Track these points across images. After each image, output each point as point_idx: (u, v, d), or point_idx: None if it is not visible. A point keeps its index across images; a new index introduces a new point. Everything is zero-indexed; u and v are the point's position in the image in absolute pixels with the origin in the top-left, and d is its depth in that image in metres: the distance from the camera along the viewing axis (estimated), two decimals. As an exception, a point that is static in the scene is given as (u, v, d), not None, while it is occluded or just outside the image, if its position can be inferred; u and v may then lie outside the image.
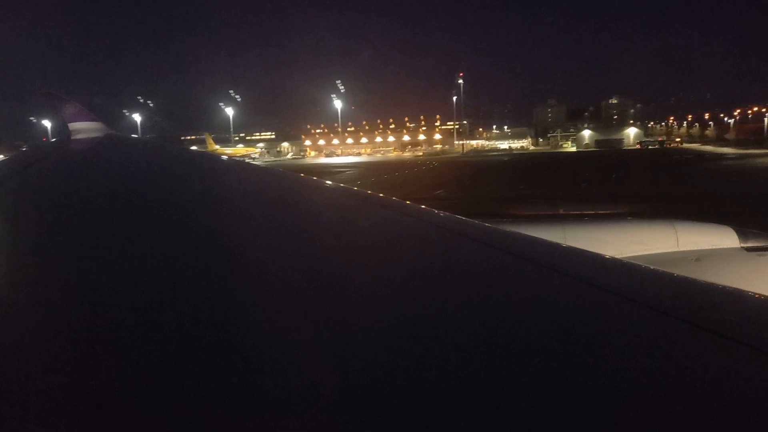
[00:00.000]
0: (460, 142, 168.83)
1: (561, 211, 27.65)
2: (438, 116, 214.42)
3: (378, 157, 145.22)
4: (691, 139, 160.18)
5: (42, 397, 0.96)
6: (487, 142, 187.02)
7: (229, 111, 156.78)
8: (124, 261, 1.79)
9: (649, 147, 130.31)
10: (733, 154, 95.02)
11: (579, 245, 2.30)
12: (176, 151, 8.14)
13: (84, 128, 6.75)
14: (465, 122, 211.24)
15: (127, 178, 4.00)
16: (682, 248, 5.73)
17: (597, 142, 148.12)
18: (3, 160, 7.06)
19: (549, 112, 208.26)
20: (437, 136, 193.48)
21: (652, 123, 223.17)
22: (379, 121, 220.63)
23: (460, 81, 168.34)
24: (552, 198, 34.72)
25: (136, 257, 1.83)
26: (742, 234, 5.91)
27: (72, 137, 6.59)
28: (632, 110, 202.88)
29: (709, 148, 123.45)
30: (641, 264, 1.99)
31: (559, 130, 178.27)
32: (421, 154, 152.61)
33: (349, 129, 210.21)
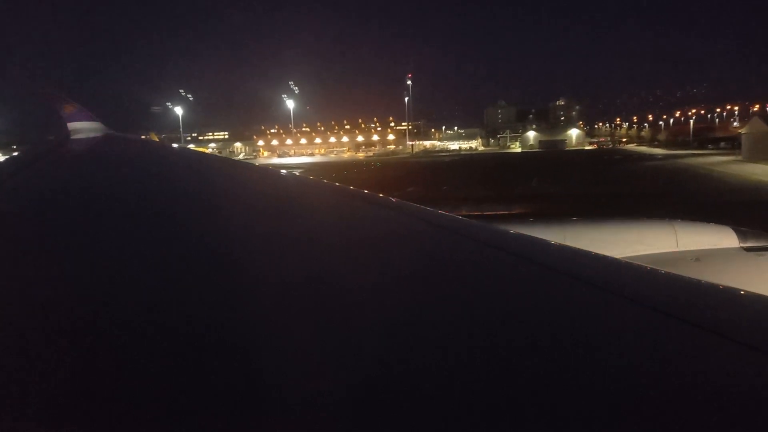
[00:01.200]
0: (412, 142, 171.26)
1: (463, 212, 29.70)
2: (392, 117, 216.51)
3: (331, 157, 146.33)
4: (631, 140, 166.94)
5: (42, 397, 0.96)
6: (439, 143, 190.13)
7: (179, 110, 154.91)
8: (123, 260, 1.80)
9: (586, 147, 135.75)
10: (660, 154, 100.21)
11: (578, 245, 2.32)
12: (175, 150, 8.17)
13: (83, 128, 6.72)
14: (419, 123, 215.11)
15: (127, 177, 4.02)
16: (682, 248, 5.77)
17: (541, 143, 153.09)
18: (2, 161, 6.97)
19: (499, 113, 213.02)
20: (390, 137, 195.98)
21: (599, 124, 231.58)
22: (333, 122, 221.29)
23: (409, 82, 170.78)
24: (466, 198, 36.92)
25: (135, 256, 1.85)
26: (742, 234, 5.95)
27: (71, 137, 6.55)
28: (575, 112, 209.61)
29: (643, 148, 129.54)
30: (641, 264, 2.02)
31: (507, 131, 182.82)
32: (371, 154, 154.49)
33: (304, 129, 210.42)
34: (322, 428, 0.87)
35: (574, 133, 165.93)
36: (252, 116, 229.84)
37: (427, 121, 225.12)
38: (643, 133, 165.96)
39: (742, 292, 1.53)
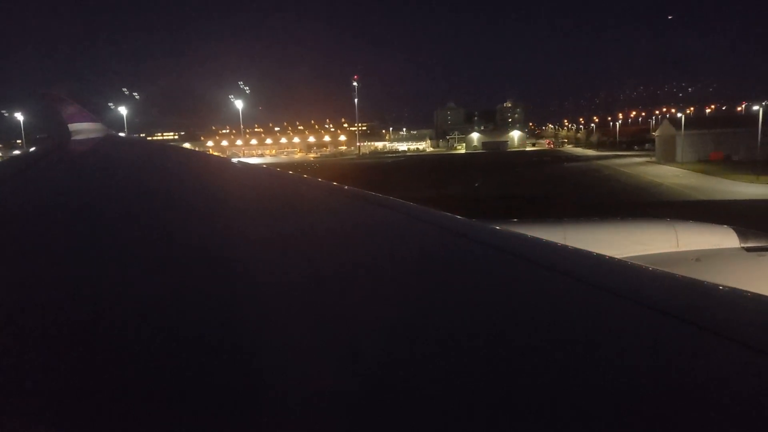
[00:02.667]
0: (360, 144, 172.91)
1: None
2: (344, 119, 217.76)
3: (281, 158, 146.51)
4: (569, 141, 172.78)
5: (42, 397, 0.96)
6: (389, 144, 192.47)
7: (123, 110, 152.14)
8: (125, 261, 1.81)
9: (527, 148, 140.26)
10: (588, 156, 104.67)
11: (579, 245, 2.33)
12: (176, 151, 8.28)
13: (84, 129, 6.68)
14: (373, 124, 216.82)
15: (128, 178, 4.01)
16: (683, 248, 5.76)
17: (484, 144, 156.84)
18: (4, 161, 6.96)
19: (448, 115, 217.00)
20: (342, 138, 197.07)
21: (549, 125, 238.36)
22: (286, 123, 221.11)
23: (355, 84, 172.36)
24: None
25: (137, 257, 1.85)
26: (742, 234, 5.94)
27: (72, 138, 6.54)
28: (518, 114, 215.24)
29: (579, 150, 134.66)
30: (641, 264, 2.02)
31: (456, 133, 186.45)
32: (318, 155, 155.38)
33: (256, 130, 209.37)
34: (322, 428, 0.87)
35: (515, 135, 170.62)
36: (204, 117, 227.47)
37: (380, 122, 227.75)
38: (579, 135, 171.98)
39: (743, 293, 1.53)
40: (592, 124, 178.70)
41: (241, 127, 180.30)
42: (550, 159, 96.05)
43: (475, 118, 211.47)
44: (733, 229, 6.03)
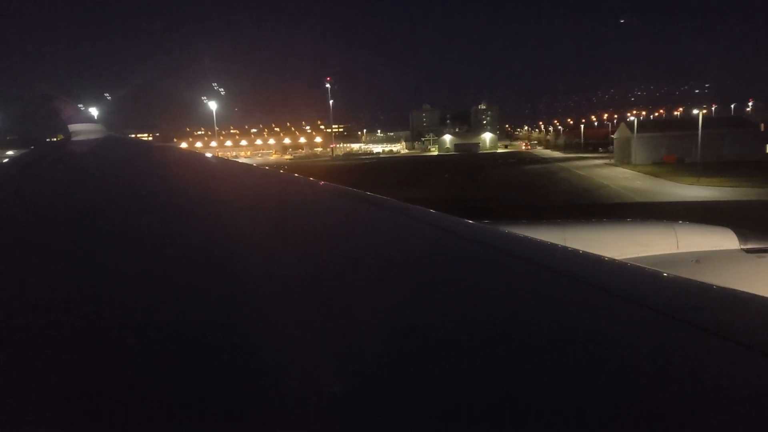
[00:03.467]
0: (334, 145, 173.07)
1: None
2: (320, 121, 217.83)
3: (256, 159, 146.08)
4: (539, 143, 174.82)
5: (42, 397, 0.96)
6: (364, 146, 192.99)
7: (94, 111, 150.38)
8: (125, 262, 1.80)
9: (499, 150, 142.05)
10: (552, 157, 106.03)
11: (579, 247, 2.33)
12: (177, 152, 8.33)
13: (84, 129, 6.66)
14: (350, 125, 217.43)
15: (129, 179, 4.01)
16: (682, 250, 5.73)
17: (456, 146, 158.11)
18: (4, 162, 6.97)
19: (424, 116, 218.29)
20: (318, 139, 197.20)
21: (525, 127, 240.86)
22: (261, 125, 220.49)
23: (328, 86, 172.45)
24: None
25: (137, 258, 1.85)
26: (742, 236, 5.90)
27: (72, 138, 6.56)
28: (489, 116, 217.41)
29: (547, 152, 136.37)
30: (641, 265, 2.02)
31: (431, 135, 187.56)
32: (291, 157, 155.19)
33: (231, 132, 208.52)
34: (322, 428, 0.88)
35: (487, 137, 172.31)
36: (178, 118, 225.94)
37: (358, 123, 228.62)
38: (548, 137, 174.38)
39: (743, 294, 1.54)
40: (560, 127, 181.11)
41: (215, 128, 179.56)
42: (515, 161, 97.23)
43: (448, 120, 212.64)
44: (733, 230, 5.98)
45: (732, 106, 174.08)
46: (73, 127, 6.71)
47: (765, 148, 73.57)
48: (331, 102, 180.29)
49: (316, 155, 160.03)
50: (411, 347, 1.17)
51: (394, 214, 2.87)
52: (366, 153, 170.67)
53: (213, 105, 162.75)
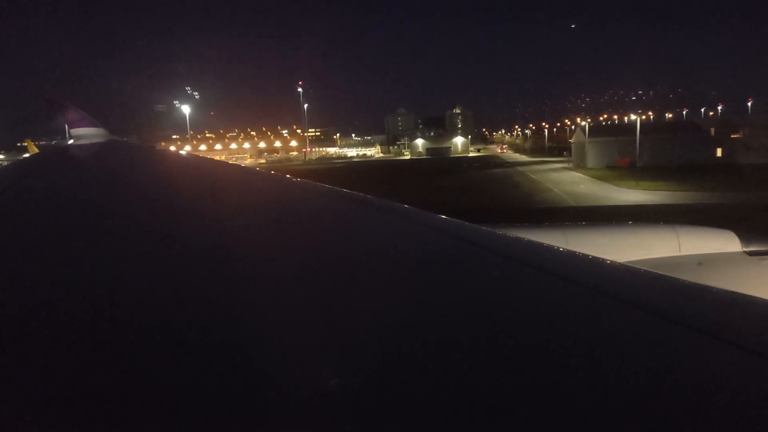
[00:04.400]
0: (306, 149, 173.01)
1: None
2: (295, 125, 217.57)
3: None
4: (509, 147, 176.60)
5: (42, 397, 0.97)
6: (340, 150, 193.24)
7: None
8: (128, 266, 1.81)
9: (470, 154, 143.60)
10: (517, 161, 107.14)
11: (581, 249, 2.33)
12: (180, 156, 8.18)
13: (86, 134, 6.63)
14: (327, 129, 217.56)
15: (132, 183, 4.05)
16: (684, 252, 5.71)
17: (428, 150, 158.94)
18: (7, 166, 7.11)
19: (399, 121, 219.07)
20: (293, 143, 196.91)
21: (503, 131, 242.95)
22: (237, 129, 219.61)
23: (300, 89, 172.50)
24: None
25: (140, 262, 1.86)
26: (744, 238, 5.90)
27: (75, 143, 6.61)
28: (460, 121, 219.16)
29: (516, 155, 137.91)
30: (643, 268, 2.01)
31: (405, 139, 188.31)
32: (264, 162, 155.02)
33: (207, 136, 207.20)
34: (321, 428, 0.88)
35: (459, 141, 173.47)
36: (152, 122, 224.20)
37: (335, 128, 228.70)
38: (517, 141, 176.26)
39: (745, 297, 1.53)
40: (527, 131, 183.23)
41: (189, 132, 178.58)
42: (478, 165, 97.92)
43: (420, 126, 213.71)
44: (736, 233, 5.98)
45: (702, 110, 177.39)
46: (76, 131, 6.68)
47: (716, 152, 75.24)
48: (305, 106, 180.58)
49: (289, 159, 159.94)
50: (409, 348, 1.17)
51: (393, 216, 2.88)
52: (340, 157, 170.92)
53: (186, 109, 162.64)
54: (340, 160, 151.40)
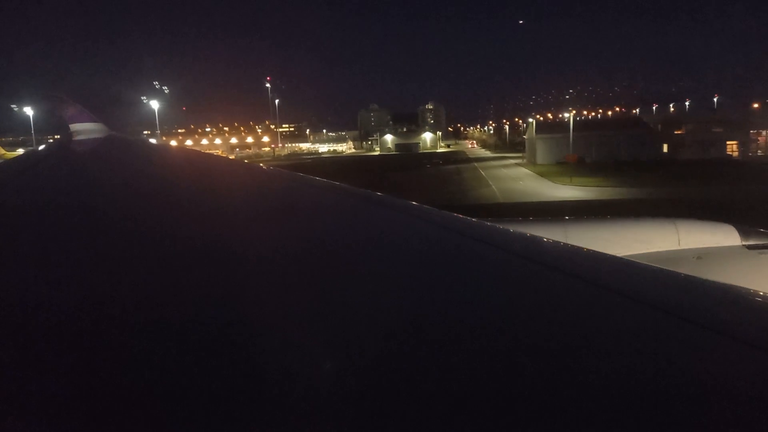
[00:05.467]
0: (275, 145, 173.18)
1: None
2: (268, 120, 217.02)
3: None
4: (480, 142, 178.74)
5: (42, 398, 0.97)
6: (312, 146, 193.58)
7: (29, 111, 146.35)
8: (128, 262, 1.80)
9: (439, 150, 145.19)
10: (477, 157, 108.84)
11: (580, 244, 2.31)
12: (179, 151, 8.16)
13: (85, 129, 6.63)
14: (300, 125, 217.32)
15: (131, 178, 3.99)
16: (684, 246, 5.74)
17: (397, 146, 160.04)
18: (6, 161, 6.94)
19: (372, 116, 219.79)
20: (265, 139, 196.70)
21: (478, 126, 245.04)
22: (208, 124, 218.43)
23: (268, 85, 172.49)
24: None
25: (140, 258, 1.85)
26: (744, 232, 5.91)
27: (74, 138, 6.51)
28: (440, 115, 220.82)
29: (481, 151, 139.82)
30: (642, 262, 2.01)
31: (377, 134, 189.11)
32: (235, 157, 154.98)
33: (178, 131, 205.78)
34: (323, 429, 0.87)
35: (428, 136, 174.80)
36: (120, 117, 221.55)
37: (309, 123, 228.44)
38: (484, 137, 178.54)
39: (744, 290, 1.53)
40: (488, 127, 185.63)
41: (157, 129, 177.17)
42: (440, 161, 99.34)
43: (390, 122, 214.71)
44: (735, 227, 5.99)
45: (671, 105, 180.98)
46: (75, 126, 6.70)
47: (662, 148, 77.62)
48: (276, 102, 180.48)
49: (258, 155, 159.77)
50: (410, 345, 1.16)
51: (395, 212, 2.87)
52: (310, 153, 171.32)
53: (155, 104, 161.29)
54: (308, 156, 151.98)
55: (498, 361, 1.09)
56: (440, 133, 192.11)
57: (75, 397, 0.98)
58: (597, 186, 49.63)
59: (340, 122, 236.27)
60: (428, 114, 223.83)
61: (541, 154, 76.90)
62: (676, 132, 79.49)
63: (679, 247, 5.78)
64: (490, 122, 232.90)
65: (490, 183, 56.44)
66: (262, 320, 1.31)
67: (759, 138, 79.39)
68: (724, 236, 5.96)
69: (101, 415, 0.92)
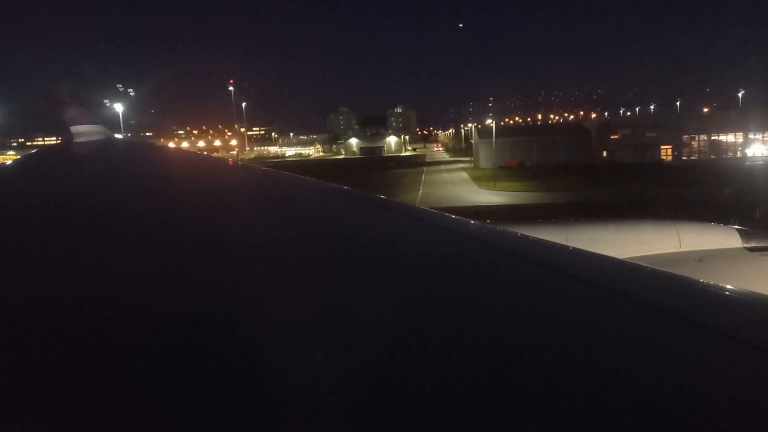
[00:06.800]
0: (238, 149, 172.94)
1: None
2: (237, 124, 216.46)
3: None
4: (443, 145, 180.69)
5: (43, 398, 0.97)
6: (280, 149, 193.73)
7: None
8: (127, 264, 1.80)
9: (403, 154, 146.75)
10: (438, 160, 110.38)
11: (581, 246, 2.31)
12: (180, 153, 8.21)
13: (86, 131, 6.63)
14: (271, 128, 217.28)
15: (132, 180, 4.02)
16: (685, 249, 5.78)
17: (361, 150, 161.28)
18: (7, 164, 6.93)
19: (341, 119, 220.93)
20: (233, 142, 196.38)
21: (451, 130, 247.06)
22: (175, 127, 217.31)
23: (231, 88, 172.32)
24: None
25: (139, 260, 1.85)
26: (745, 234, 5.97)
27: (74, 140, 6.54)
28: (409, 119, 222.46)
29: (440, 154, 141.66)
30: (644, 264, 1.99)
31: (345, 138, 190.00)
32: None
33: (147, 134, 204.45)
34: (323, 429, 0.88)
35: (392, 140, 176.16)
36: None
37: (279, 126, 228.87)
38: (447, 141, 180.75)
39: (746, 293, 1.53)
40: (448, 131, 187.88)
41: (121, 132, 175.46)
42: (394, 164, 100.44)
43: (356, 126, 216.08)
44: (736, 229, 6.08)
45: (637, 109, 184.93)
46: (75, 128, 6.65)
47: (601, 153, 79.87)
48: (244, 105, 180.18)
49: (224, 159, 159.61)
50: (412, 346, 1.16)
51: (394, 214, 2.88)
52: (277, 156, 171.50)
53: (119, 107, 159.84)
54: (274, 160, 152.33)
55: (498, 361, 1.09)
56: (407, 137, 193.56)
57: (76, 397, 0.98)
58: (517, 191, 51.12)
59: (310, 126, 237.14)
60: (397, 117, 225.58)
61: (484, 159, 78.50)
62: (612, 137, 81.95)
63: (680, 249, 5.83)
64: (463, 125, 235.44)
65: (420, 188, 57.63)
66: (261, 320, 1.31)
67: (693, 143, 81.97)
68: (726, 238, 6.01)
69: (101, 415, 0.92)
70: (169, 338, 1.23)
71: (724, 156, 79.33)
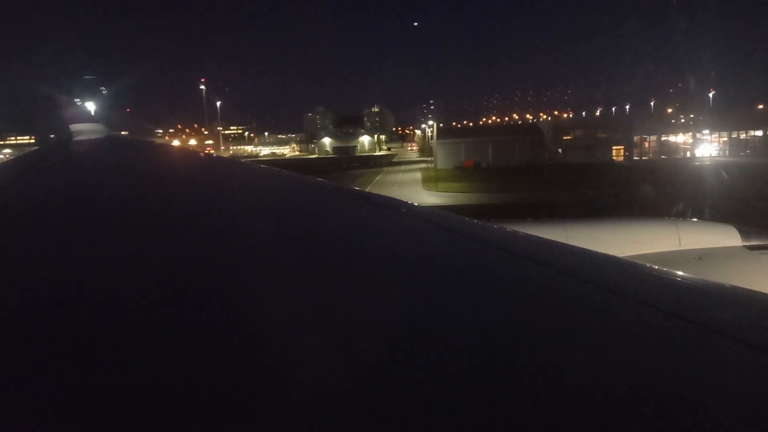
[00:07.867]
0: (210, 149, 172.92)
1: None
2: (215, 123, 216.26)
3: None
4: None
5: (42, 398, 0.97)
6: (256, 148, 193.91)
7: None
8: (129, 262, 1.80)
9: (376, 153, 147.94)
10: (404, 160, 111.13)
11: (580, 244, 2.27)
12: (179, 151, 8.24)
13: (85, 129, 6.52)
14: (249, 127, 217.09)
15: (133, 178, 4.02)
16: (685, 247, 5.74)
17: (335, 149, 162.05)
18: (7, 162, 6.85)
19: (318, 119, 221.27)
20: (209, 142, 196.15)
21: (428, 131, 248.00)
22: (149, 126, 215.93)
23: (203, 87, 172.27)
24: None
25: (141, 258, 1.85)
26: (745, 233, 5.91)
27: (74, 138, 6.48)
28: (385, 118, 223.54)
29: (411, 155, 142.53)
30: (643, 263, 2.00)
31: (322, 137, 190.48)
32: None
33: (121, 133, 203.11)
34: (323, 429, 0.88)
35: (366, 140, 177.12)
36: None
37: (256, 125, 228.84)
38: (419, 141, 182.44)
39: (745, 291, 1.52)
40: (417, 132, 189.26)
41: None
42: (359, 164, 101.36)
43: (330, 125, 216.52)
44: (736, 227, 6.03)
45: (613, 109, 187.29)
46: (75, 126, 6.56)
47: (555, 153, 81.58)
48: (219, 104, 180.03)
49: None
50: (413, 346, 1.16)
51: (394, 212, 2.87)
52: (251, 156, 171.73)
53: (91, 106, 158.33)
54: (246, 159, 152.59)
55: (498, 361, 1.09)
56: (383, 137, 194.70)
57: (76, 397, 0.98)
58: (458, 192, 52.33)
59: (289, 125, 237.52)
60: (373, 117, 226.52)
61: (441, 159, 79.75)
62: (564, 138, 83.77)
63: (680, 248, 5.83)
64: (421, 126, 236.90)
65: (369, 188, 58.66)
66: (261, 320, 1.32)
67: (645, 143, 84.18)
68: (725, 237, 6.02)
69: (102, 415, 0.92)
70: (169, 338, 1.22)
71: (674, 156, 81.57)
